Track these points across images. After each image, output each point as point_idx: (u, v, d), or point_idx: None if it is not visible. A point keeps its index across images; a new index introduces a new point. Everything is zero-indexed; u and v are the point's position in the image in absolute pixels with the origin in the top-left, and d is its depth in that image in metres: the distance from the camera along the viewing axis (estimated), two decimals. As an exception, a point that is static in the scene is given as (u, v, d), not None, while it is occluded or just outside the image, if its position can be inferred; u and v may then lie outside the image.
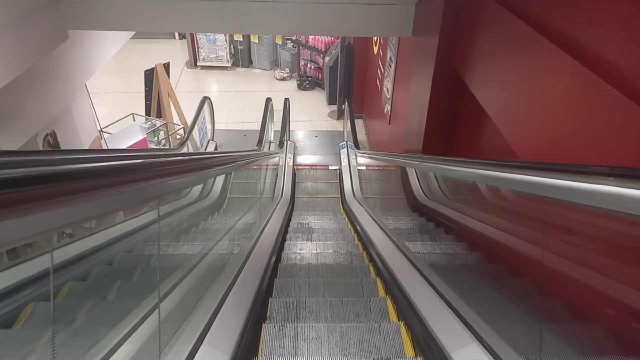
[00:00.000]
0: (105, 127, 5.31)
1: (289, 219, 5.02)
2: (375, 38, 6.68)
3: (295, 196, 6.29)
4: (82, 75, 3.85)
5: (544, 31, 1.61)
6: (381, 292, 2.47)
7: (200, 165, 1.66)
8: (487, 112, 2.15)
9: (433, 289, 1.95)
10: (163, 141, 6.26)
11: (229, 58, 10.20)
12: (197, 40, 9.96)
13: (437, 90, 2.83)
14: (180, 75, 10.05)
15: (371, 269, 2.95)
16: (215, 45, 10.05)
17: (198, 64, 10.25)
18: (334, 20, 3.35)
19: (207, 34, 9.93)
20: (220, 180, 5.92)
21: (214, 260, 2.34)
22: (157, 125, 5.79)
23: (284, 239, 3.94)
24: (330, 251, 3.43)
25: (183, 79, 9.91)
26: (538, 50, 1.64)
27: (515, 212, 1.89)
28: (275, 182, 6.22)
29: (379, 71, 6.37)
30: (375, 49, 6.75)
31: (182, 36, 11.33)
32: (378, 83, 6.42)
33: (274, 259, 3.03)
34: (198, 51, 10.13)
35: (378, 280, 2.60)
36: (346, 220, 5.03)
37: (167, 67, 6.56)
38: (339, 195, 6.29)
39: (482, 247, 2.73)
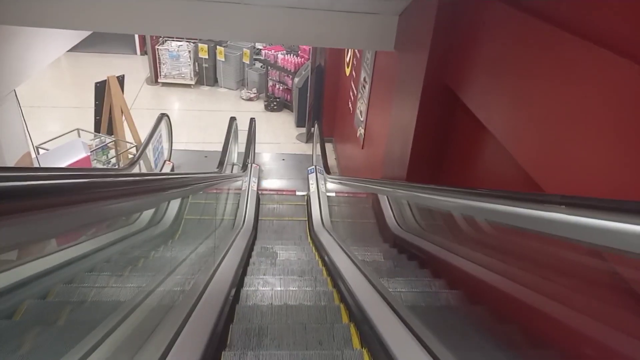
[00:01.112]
0: (43, 143, 4.66)
1: (251, 250, 4.50)
2: (348, 59, 6.39)
3: (260, 223, 5.77)
4: (8, 79, 3.26)
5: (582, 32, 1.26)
6: (355, 342, 2.04)
7: (147, 188, 1.39)
8: (495, 135, 1.77)
9: (416, 340, 1.56)
10: (113, 160, 5.63)
11: (192, 76, 9.69)
12: (159, 55, 9.42)
13: (425, 110, 2.46)
14: (139, 91, 9.43)
15: (343, 311, 2.50)
16: (179, 62, 9.54)
17: (159, 80, 9.68)
18: (307, 28, 2.96)
19: (170, 50, 9.42)
20: (174, 206, 5.35)
21: (159, 300, 2.03)
22: (106, 142, 5.17)
23: (244, 273, 3.45)
24: (295, 288, 2.98)
25: (142, 95, 9.29)
26: (576, 56, 1.28)
27: (499, 246, 1.61)
28: (237, 208, 5.69)
29: (351, 93, 6.05)
30: (348, 71, 6.45)
31: (144, 52, 10.76)
32: (350, 105, 6.09)
33: (231, 298, 2.55)
34: (160, 67, 9.57)
35: (352, 326, 2.17)
36: (314, 251, 4.56)
37: (121, 80, 5.99)
38: (307, 224, 5.82)
39: (463, 285, 2.39)
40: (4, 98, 3.27)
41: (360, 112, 5.29)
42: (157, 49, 9.35)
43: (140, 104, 8.72)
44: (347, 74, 6.47)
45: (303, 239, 5.04)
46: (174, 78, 9.67)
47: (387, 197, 4.17)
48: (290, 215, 5.92)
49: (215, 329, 1.94)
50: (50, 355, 1.39)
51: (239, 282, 3.15)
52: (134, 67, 10.69)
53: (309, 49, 8.30)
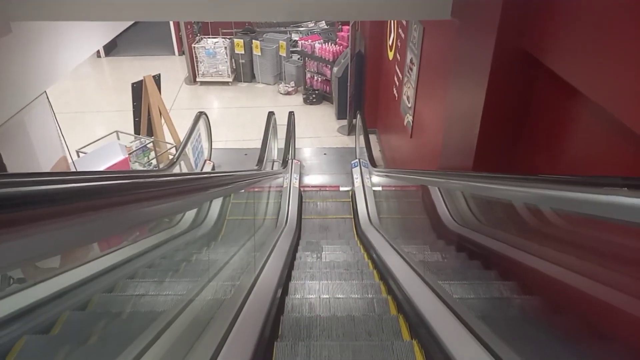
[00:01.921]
0: (83, 147, 4.57)
1: (295, 251, 4.22)
2: (391, 41, 5.95)
3: (303, 221, 5.48)
4: (37, 81, 3.11)
5: None
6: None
7: (184, 188, 1.28)
8: (603, 105, 1.35)
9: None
10: (153, 162, 5.51)
11: (229, 72, 9.54)
12: (195, 54, 9.34)
13: (496, 84, 2.04)
14: (178, 92, 9.39)
15: (402, 324, 2.16)
16: (215, 59, 9.41)
17: (197, 79, 9.61)
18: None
19: (206, 47, 9.31)
20: (215, 207, 5.16)
21: (203, 306, 1.88)
22: (145, 143, 5.04)
23: (288, 277, 3.17)
24: (343, 296, 2.67)
25: (181, 95, 9.25)
26: None
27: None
28: (279, 207, 5.43)
29: (395, 78, 5.62)
30: (391, 54, 6.02)
31: (182, 52, 10.75)
32: (395, 92, 5.66)
33: (274, 310, 2.28)
34: (197, 66, 9.50)
35: (415, 343, 1.83)
36: (362, 250, 4.21)
37: (157, 79, 5.86)
38: (352, 221, 5.47)
39: (540, 289, 1.96)
40: (36, 101, 3.13)
41: (408, 97, 4.86)
42: (194, 47, 9.26)
43: (180, 105, 8.66)
44: (391, 58, 6.04)
45: (349, 238, 4.70)
46: (211, 76, 9.57)
47: (439, 189, 3.75)
48: (334, 212, 5.60)
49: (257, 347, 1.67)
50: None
51: (283, 287, 2.88)
52: (173, 67, 10.72)
53: (348, 35, 7.91)
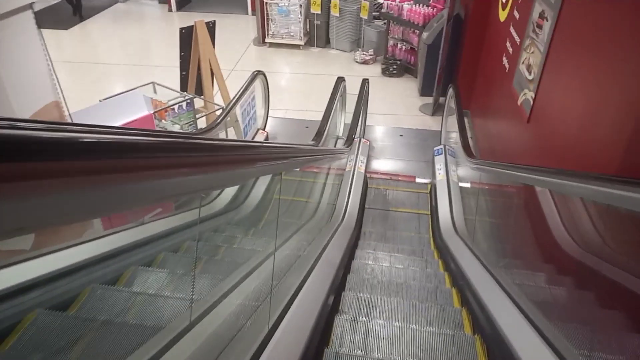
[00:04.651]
0: (107, 98, 3.77)
1: (350, 260, 3.13)
2: (507, -4, 4.51)
3: (365, 216, 4.37)
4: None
5: None
6: None
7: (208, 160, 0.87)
8: None
9: None
10: (197, 124, 4.65)
11: (302, 35, 8.48)
12: (267, 11, 8.37)
13: None
14: (244, 52, 8.53)
15: None
16: (288, 19, 8.39)
17: (266, 40, 8.67)
18: None
19: (280, 4, 8.30)
20: (260, 186, 4.21)
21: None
22: (181, 100, 4.14)
23: (335, 306, 2.15)
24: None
25: (246, 56, 8.38)
26: None
27: None
28: (338, 195, 4.35)
29: (508, 43, 4.22)
30: (504, 14, 4.58)
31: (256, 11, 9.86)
32: (506, 61, 4.26)
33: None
34: (268, 25, 8.54)
35: None
36: (445, 275, 3.01)
37: (211, 26, 4.94)
38: (429, 225, 4.25)
39: None
40: (13, 19, 2.26)
41: (529, 66, 3.49)
42: (266, 3, 8.29)
43: (243, 66, 7.79)
44: (503, 19, 4.61)
45: (427, 253, 3.51)
46: (282, 38, 8.57)
47: (553, 197, 2.48)
48: (406, 208, 4.40)
49: None
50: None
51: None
52: (244, 27, 9.89)
53: (445, -5, 6.48)
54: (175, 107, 4.57)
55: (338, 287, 2.50)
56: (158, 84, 4.37)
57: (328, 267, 2.61)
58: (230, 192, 4.08)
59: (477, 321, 2.11)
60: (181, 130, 4.23)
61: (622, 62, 2.08)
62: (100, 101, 3.66)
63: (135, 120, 3.29)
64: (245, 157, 1.29)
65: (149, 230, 2.42)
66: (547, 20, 3.19)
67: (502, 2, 4.72)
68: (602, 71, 2.27)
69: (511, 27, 4.19)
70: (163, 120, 4.43)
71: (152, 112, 3.46)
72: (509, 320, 1.90)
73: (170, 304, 1.55)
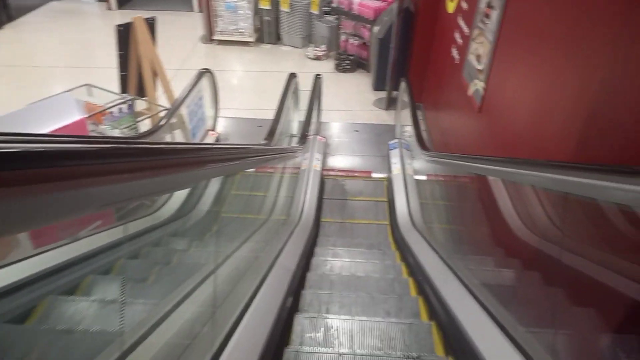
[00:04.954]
0: (36, 102, 3.42)
1: (309, 256, 3.00)
2: (454, -13, 4.51)
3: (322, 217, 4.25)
4: None
5: None
6: None
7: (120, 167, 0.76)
8: None
9: None
10: (140, 128, 4.34)
11: (252, 31, 8.24)
12: (214, 7, 8.06)
13: None
14: (192, 50, 8.18)
15: None
16: (236, 15, 8.12)
17: (214, 37, 8.36)
18: None
19: (227, 0, 8.01)
20: (211, 190, 3.97)
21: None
22: (117, 102, 3.84)
23: (295, 303, 2.03)
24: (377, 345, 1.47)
25: (193, 55, 8.04)
26: None
27: None
28: (294, 194, 4.20)
29: (458, 35, 4.21)
30: (452, 5, 4.58)
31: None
32: (455, 53, 4.26)
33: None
34: (215, 22, 8.23)
35: None
36: (402, 267, 2.95)
37: (151, 22, 4.64)
38: (387, 221, 4.18)
39: None
40: None
41: (479, 56, 3.47)
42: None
43: (190, 64, 7.46)
44: (451, 10, 4.61)
45: (386, 247, 3.42)
46: (231, 34, 8.29)
47: (504, 184, 2.47)
48: (363, 205, 4.32)
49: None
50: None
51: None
52: (191, 24, 9.50)
53: (393, -11, 6.45)
54: (114, 110, 4.25)
55: (297, 288, 2.36)
56: (93, 86, 4.04)
57: (285, 271, 2.46)
58: (178, 198, 3.84)
59: (433, 310, 2.07)
60: (120, 135, 3.93)
61: (572, 49, 2.05)
62: (26, 106, 3.32)
63: (65, 127, 2.99)
64: (182, 160, 1.15)
65: (79, 248, 2.17)
66: (494, 9, 3.18)
67: (449, -7, 4.72)
68: (552, 58, 2.24)
69: (459, 18, 4.18)
70: (101, 125, 4.11)
71: (84, 116, 3.16)
72: (464, 308, 1.86)
73: (97, 338, 1.33)
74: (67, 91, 3.71)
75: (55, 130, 2.89)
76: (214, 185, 3.74)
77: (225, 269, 2.02)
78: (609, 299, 1.45)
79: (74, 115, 3.10)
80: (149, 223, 3.52)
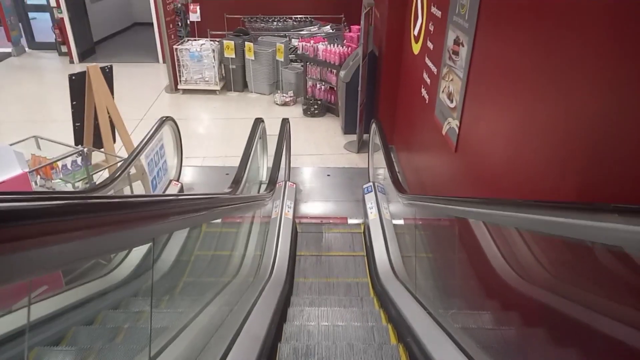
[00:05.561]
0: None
1: (281, 323, 2.65)
2: (417, 29, 4.52)
3: (296, 269, 3.92)
4: None
5: None
6: None
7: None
8: None
9: None
10: (83, 182, 3.99)
11: (217, 80, 8.15)
12: (178, 57, 7.96)
13: None
14: (155, 100, 7.98)
15: None
16: (201, 64, 8.04)
17: (179, 87, 8.20)
18: None
19: (191, 50, 7.94)
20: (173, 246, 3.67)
21: None
22: (68, 154, 3.51)
23: None
24: None
25: (158, 104, 7.83)
26: None
27: None
28: (265, 245, 3.89)
29: (425, 75, 4.16)
30: (417, 47, 4.58)
31: (166, 58, 9.40)
32: (425, 92, 4.19)
33: None
34: (180, 71, 8.11)
35: None
36: (386, 323, 2.64)
37: (107, 71, 4.42)
38: (366, 268, 3.90)
39: None
40: None
41: (450, 95, 3.38)
42: (176, 49, 7.90)
43: (154, 113, 7.22)
44: (417, 52, 4.60)
45: (366, 301, 3.12)
46: (196, 83, 8.17)
47: (487, 227, 2.26)
48: (343, 265, 4.01)
49: None
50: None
51: None
52: (155, 75, 9.37)
53: (357, 34, 6.53)
54: (68, 163, 3.92)
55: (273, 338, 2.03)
56: (42, 138, 3.71)
57: (253, 340, 2.12)
58: (136, 257, 3.47)
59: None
60: (71, 189, 3.58)
61: (545, 82, 1.93)
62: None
63: (2, 182, 2.64)
64: (129, 216, 0.93)
65: (22, 317, 1.82)
66: (463, 46, 3.11)
67: (414, 35, 4.74)
68: (526, 92, 2.12)
69: (426, 58, 4.15)
70: (50, 180, 3.75)
71: (26, 170, 2.83)
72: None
73: None
74: (13, 144, 3.38)
75: (-8, 187, 2.54)
76: (175, 242, 3.40)
77: (180, 343, 1.69)
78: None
79: (15, 170, 2.75)
80: (109, 283, 3.14)
